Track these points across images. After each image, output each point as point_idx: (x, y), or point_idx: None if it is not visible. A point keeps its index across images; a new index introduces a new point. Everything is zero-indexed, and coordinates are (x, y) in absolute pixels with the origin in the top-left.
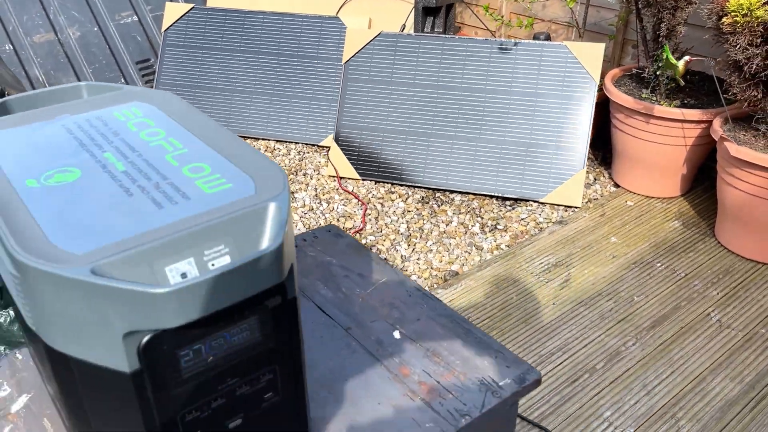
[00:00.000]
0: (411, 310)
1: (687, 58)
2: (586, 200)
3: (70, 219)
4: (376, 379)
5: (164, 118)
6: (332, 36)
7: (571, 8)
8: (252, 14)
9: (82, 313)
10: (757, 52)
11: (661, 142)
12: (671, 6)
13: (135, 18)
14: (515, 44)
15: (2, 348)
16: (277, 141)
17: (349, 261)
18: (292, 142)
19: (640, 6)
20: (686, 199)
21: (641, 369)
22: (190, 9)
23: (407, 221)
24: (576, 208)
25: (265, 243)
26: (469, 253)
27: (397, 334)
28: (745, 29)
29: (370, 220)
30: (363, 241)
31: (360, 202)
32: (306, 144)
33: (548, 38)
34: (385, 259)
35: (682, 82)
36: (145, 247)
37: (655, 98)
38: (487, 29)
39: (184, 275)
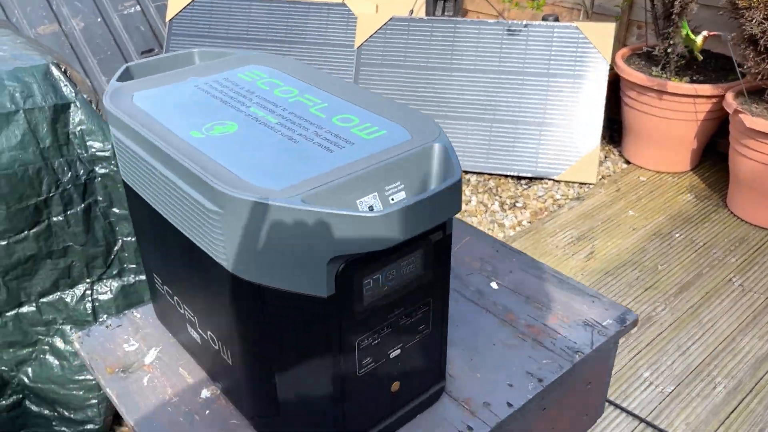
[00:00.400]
0: (501, 263)
1: (705, 33)
2: (600, 177)
3: (251, 163)
4: (485, 324)
5: (289, 78)
6: (339, 22)
7: None
8: (258, 2)
9: (290, 243)
10: None
11: (673, 117)
12: None
13: (138, 8)
14: (526, 26)
15: (69, 327)
16: None
17: None
18: None
19: None
20: (696, 173)
21: (674, 332)
22: None
23: None
24: (591, 184)
25: (439, 180)
26: (492, 231)
27: (494, 285)
28: (760, 4)
29: None
30: None
31: None
32: None
33: (557, 20)
34: None
35: (700, 57)
36: (337, 182)
37: (665, 75)
38: (495, 11)
39: (371, 207)
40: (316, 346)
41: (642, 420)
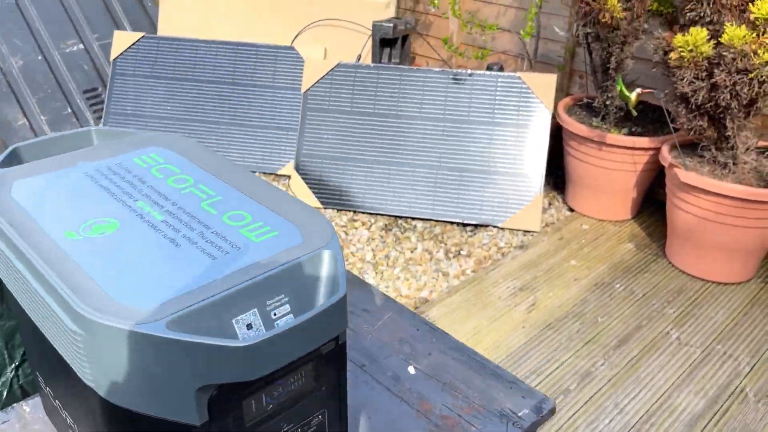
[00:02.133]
0: (421, 343)
1: (639, 90)
2: (544, 224)
3: (123, 273)
4: (399, 415)
5: (187, 164)
6: (288, 65)
7: (525, 40)
8: (205, 43)
9: (155, 371)
10: (703, 85)
11: (612, 168)
12: (620, 41)
13: (81, 46)
14: (470, 75)
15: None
16: None
17: (352, 296)
18: (254, 172)
19: (589, 40)
20: (636, 222)
21: (612, 388)
22: (140, 38)
23: (372, 249)
24: (535, 232)
25: (326, 292)
26: (436, 280)
27: (411, 370)
28: (690, 64)
29: None
30: None
31: None
32: (264, 173)
33: (501, 69)
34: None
35: (635, 113)
36: (211, 300)
37: (605, 126)
38: (441, 59)
39: (249, 326)
40: None
41: None
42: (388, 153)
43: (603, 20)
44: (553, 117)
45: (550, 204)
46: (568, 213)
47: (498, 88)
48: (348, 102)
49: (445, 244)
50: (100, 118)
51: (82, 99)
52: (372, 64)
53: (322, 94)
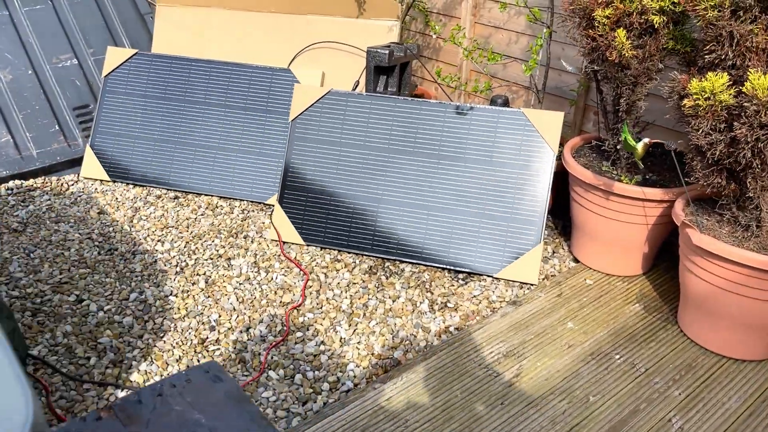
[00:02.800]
0: None
1: (646, 140)
2: (543, 276)
3: None
4: None
5: None
6: (283, 89)
7: (526, 75)
8: (199, 63)
9: None
10: (721, 138)
11: (621, 219)
12: (630, 82)
13: (75, 61)
14: (470, 108)
15: None
16: (221, 197)
17: (222, 419)
18: (236, 200)
19: (599, 78)
20: (648, 278)
21: None
22: (134, 55)
23: (351, 296)
24: (532, 285)
25: None
26: (415, 336)
27: None
28: (707, 113)
29: (310, 293)
30: (300, 320)
31: (302, 272)
32: (252, 202)
33: (506, 103)
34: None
35: (641, 165)
36: None
37: (615, 172)
38: (448, 86)
39: None
40: None
41: None
42: (377, 189)
43: (610, 58)
44: (558, 158)
45: (553, 252)
46: (573, 264)
47: (499, 125)
48: (338, 133)
49: (432, 294)
50: (89, 136)
51: (72, 116)
52: (365, 93)
53: (311, 123)
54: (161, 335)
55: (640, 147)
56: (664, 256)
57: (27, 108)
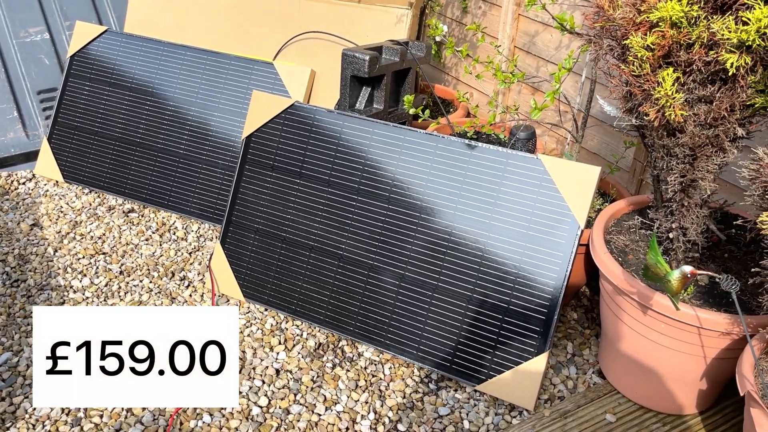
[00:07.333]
0: None
1: (688, 269)
2: (546, 398)
3: None
4: None
5: None
6: (263, 86)
7: (535, 119)
8: (172, 48)
9: None
10: None
11: (665, 344)
12: (684, 155)
13: (46, 35)
14: (469, 146)
15: None
16: (180, 216)
17: None
18: (196, 221)
19: (647, 143)
20: (705, 421)
21: None
22: (103, 32)
23: (271, 392)
24: (525, 411)
25: None
26: None
27: None
28: None
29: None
30: (191, 424)
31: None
32: (213, 225)
33: (531, 136)
34: None
35: (678, 307)
36: None
37: (663, 266)
38: (481, 91)
39: None
40: None
41: None
42: (339, 242)
43: (647, 118)
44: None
45: (573, 355)
46: (596, 380)
47: (506, 174)
48: (299, 160)
49: (383, 403)
50: (50, 126)
51: (35, 101)
52: (335, 111)
53: (268, 144)
54: (8, 425)
55: (675, 278)
56: (729, 393)
57: None
